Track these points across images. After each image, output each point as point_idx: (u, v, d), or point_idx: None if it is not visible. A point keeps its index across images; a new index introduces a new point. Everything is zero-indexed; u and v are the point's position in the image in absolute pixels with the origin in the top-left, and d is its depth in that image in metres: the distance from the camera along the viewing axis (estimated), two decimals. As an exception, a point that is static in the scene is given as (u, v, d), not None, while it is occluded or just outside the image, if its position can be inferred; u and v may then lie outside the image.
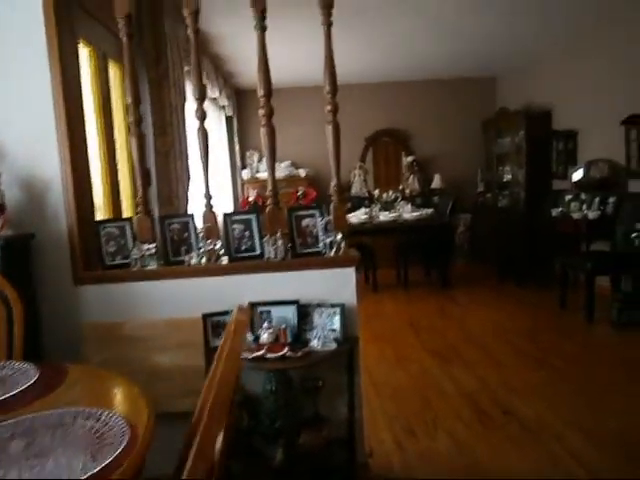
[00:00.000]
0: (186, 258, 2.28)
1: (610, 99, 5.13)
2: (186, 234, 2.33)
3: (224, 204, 6.76)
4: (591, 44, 5.49)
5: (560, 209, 5.35)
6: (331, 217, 2.28)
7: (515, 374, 3.52)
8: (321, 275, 2.25)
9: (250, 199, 7.21)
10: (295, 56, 5.71)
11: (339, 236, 2.23)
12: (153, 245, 2.27)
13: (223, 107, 6.64)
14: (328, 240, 2.25)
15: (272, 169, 2.31)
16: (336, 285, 2.25)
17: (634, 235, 4.22)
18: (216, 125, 6.57)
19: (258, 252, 2.29)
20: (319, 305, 2.16)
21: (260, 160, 7.43)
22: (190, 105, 3.75)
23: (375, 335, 4.51)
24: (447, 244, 6.17)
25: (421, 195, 7.52)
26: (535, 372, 3.54)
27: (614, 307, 4.31)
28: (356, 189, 7.57)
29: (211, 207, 2.33)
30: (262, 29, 2.19)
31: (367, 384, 3.41)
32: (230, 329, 1.00)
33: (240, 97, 7.38)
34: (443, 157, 7.72)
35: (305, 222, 2.31)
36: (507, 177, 6.95)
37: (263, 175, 7.09)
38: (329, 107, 2.25)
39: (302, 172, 7.42)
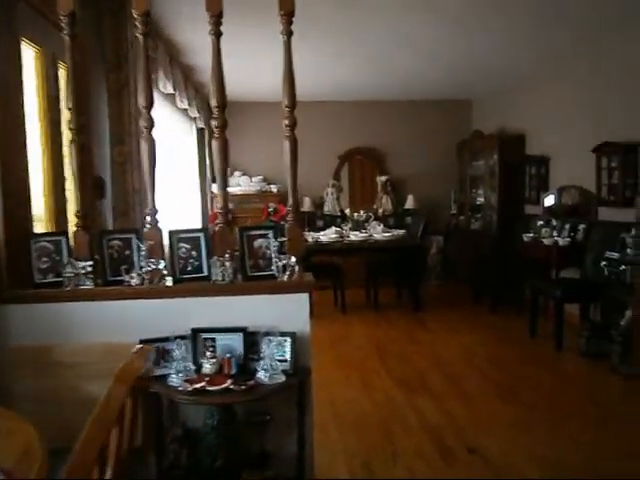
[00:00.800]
0: (126, 278, 2.10)
1: (581, 127, 5.12)
2: (128, 251, 2.15)
3: (192, 218, 6.56)
4: (563, 73, 5.51)
5: (532, 234, 5.29)
6: (285, 238, 2.13)
7: (482, 405, 3.38)
8: (272, 300, 2.09)
9: (219, 213, 7.02)
10: (274, 70, 5.59)
11: (293, 259, 2.08)
12: (89, 263, 2.08)
13: (194, 119, 6.47)
14: (281, 263, 2.09)
15: (224, 184, 2.16)
16: (289, 312, 2.08)
17: (603, 263, 4.16)
18: (186, 137, 6.39)
19: (205, 274, 2.12)
20: (267, 333, 1.99)
21: (232, 174, 7.26)
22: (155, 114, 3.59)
23: (341, 359, 4.34)
24: (419, 266, 6.06)
25: (394, 215, 7.43)
26: (502, 404, 3.40)
27: (582, 336, 4.22)
28: (329, 207, 7.45)
29: (156, 223, 2.15)
30: (217, 34, 2.05)
31: (328, 412, 3.24)
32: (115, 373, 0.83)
33: (213, 109, 7.20)
34: (417, 178, 7.65)
35: (258, 243, 2.15)
36: (480, 200, 6.92)
37: (234, 189, 6.91)
38: (287, 121, 2.12)
39: (274, 188, 7.27)
